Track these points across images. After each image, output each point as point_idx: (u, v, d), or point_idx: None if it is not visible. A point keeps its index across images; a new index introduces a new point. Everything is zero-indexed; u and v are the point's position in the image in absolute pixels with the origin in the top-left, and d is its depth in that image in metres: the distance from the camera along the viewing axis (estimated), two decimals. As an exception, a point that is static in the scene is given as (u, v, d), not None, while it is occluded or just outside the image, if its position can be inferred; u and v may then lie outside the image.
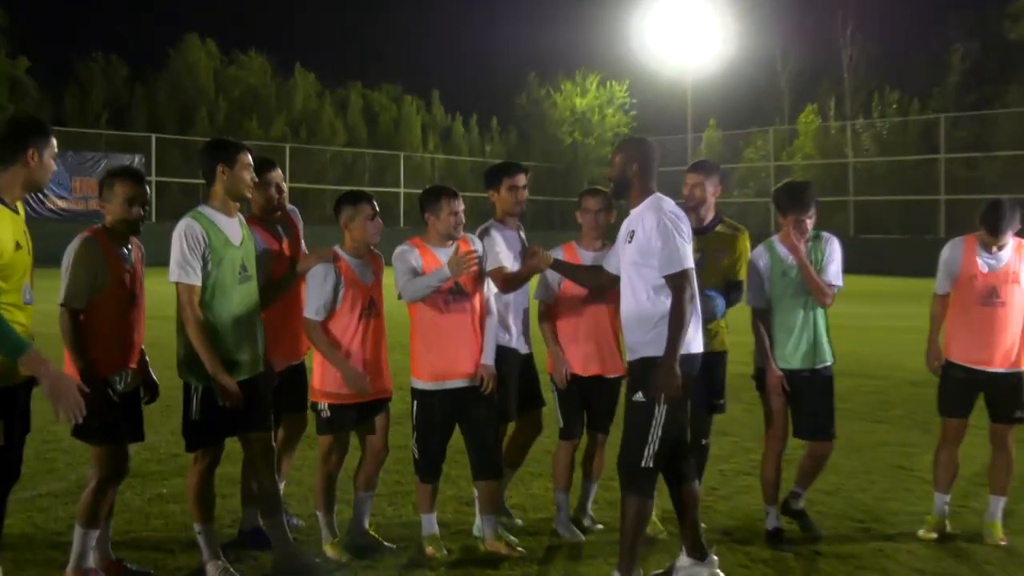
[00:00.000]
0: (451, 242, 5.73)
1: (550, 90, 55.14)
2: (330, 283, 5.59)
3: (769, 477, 6.29)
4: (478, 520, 5.97)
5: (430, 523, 5.81)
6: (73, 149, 38.05)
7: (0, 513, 4.42)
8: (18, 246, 4.20)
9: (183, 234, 5.10)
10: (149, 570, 5.40)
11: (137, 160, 38.85)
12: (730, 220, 6.47)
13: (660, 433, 4.97)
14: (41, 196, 34.30)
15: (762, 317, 6.24)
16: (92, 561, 5.08)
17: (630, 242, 5.15)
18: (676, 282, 4.98)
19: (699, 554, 5.26)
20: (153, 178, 38.78)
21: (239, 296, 5.25)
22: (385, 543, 5.84)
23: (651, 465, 4.99)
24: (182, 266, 5.09)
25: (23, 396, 4.36)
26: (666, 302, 5.00)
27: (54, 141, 4.44)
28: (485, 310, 5.84)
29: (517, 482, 7.04)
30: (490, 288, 5.94)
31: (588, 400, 6.21)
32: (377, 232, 5.76)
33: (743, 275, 6.24)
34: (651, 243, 5.03)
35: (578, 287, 6.00)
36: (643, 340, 5.06)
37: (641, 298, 5.08)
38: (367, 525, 5.91)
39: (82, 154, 38.61)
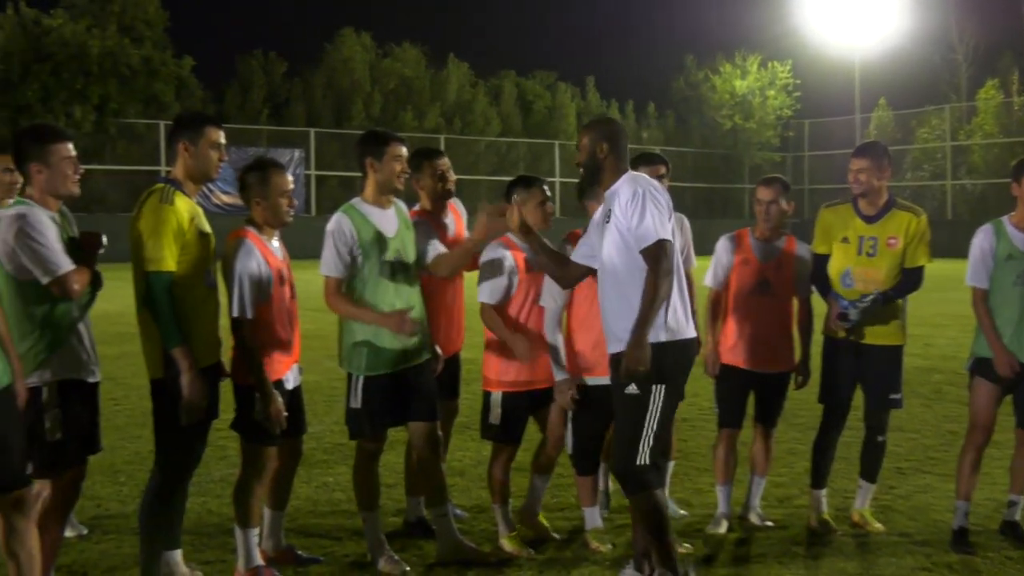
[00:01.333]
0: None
1: (708, 73, 53.49)
2: (506, 267, 5.55)
3: (965, 472, 5.89)
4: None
5: (592, 516, 5.77)
6: (235, 145, 38.76)
7: (182, 497, 4.95)
8: (202, 233, 4.72)
9: (331, 229, 5.23)
10: (318, 557, 5.45)
11: (297, 154, 39.36)
12: (905, 202, 6.12)
13: (655, 427, 4.68)
14: (207, 191, 35.06)
15: (984, 299, 5.85)
16: (270, 547, 5.30)
17: (607, 223, 4.82)
18: (652, 254, 4.63)
19: (646, 570, 4.97)
20: (312, 172, 39.20)
21: (395, 286, 5.28)
22: (552, 533, 5.87)
23: (647, 462, 4.68)
24: (326, 260, 5.25)
25: (208, 380, 4.72)
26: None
27: (211, 131, 4.78)
28: None
29: (682, 476, 7.08)
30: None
31: (755, 392, 6.14)
32: (548, 218, 5.65)
33: (922, 260, 5.93)
34: (629, 218, 4.69)
35: (747, 277, 5.99)
36: (631, 328, 4.65)
37: (625, 282, 4.72)
38: (538, 510, 5.94)
39: (244, 150, 39.35)
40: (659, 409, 4.65)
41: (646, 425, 4.64)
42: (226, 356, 5.00)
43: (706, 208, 49.84)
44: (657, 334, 4.62)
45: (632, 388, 4.64)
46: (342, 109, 47.38)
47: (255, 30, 74.88)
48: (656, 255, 4.60)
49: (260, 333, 4.95)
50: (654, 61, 59.74)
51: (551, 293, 5.53)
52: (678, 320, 4.70)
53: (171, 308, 4.57)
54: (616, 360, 4.73)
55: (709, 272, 6.16)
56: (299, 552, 5.43)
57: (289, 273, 5.17)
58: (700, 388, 9.44)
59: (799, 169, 52.25)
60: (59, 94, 36.01)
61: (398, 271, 5.28)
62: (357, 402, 5.28)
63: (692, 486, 6.92)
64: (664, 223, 4.67)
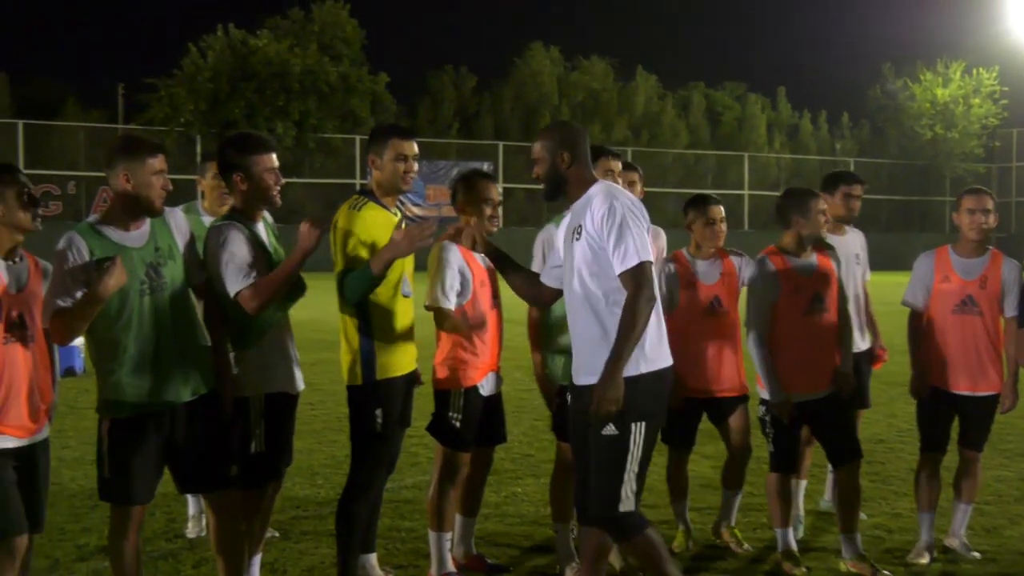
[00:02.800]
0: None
1: (907, 81, 51.36)
2: (665, 283, 5.59)
3: None
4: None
5: (785, 538, 5.52)
6: (426, 158, 39.74)
7: (376, 501, 4.97)
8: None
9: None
10: (507, 566, 5.46)
11: (486, 167, 40.03)
12: None
13: (636, 468, 4.14)
14: (399, 203, 36.02)
15: None
16: (460, 554, 5.33)
17: (577, 239, 4.22)
18: (633, 279, 4.06)
19: None
20: (500, 184, 39.74)
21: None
22: (744, 544, 5.76)
23: (632, 508, 4.15)
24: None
25: (403, 388, 4.76)
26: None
27: (395, 143, 4.76)
28: None
29: (879, 500, 6.81)
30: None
31: (959, 415, 5.75)
32: (720, 235, 5.65)
33: None
34: (604, 235, 4.11)
35: (949, 295, 5.64)
36: (605, 358, 4.09)
37: (598, 307, 4.16)
38: (733, 523, 5.86)
39: (434, 163, 40.37)
40: (640, 448, 4.12)
41: (627, 467, 4.09)
42: (421, 364, 5.06)
43: (902, 222, 47.88)
44: (636, 365, 4.09)
45: (610, 428, 4.09)
46: (530, 122, 47.87)
47: (446, 46, 76.64)
48: (637, 279, 4.03)
49: (455, 336, 5.03)
50: (848, 69, 57.75)
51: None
52: (655, 348, 4.17)
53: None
54: (588, 394, 4.15)
55: (908, 290, 5.84)
56: (488, 560, 5.45)
57: (491, 281, 5.19)
58: (897, 409, 9.04)
59: (1005, 181, 49.53)
60: (262, 111, 37.74)
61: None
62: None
63: (890, 510, 6.60)
64: (645, 242, 4.11)
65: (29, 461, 4.05)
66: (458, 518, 5.35)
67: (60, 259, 4.07)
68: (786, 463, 5.53)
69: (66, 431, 7.73)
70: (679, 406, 5.44)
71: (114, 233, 4.16)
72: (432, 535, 5.09)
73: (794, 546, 5.56)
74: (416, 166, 4.86)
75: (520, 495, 6.92)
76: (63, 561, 5.32)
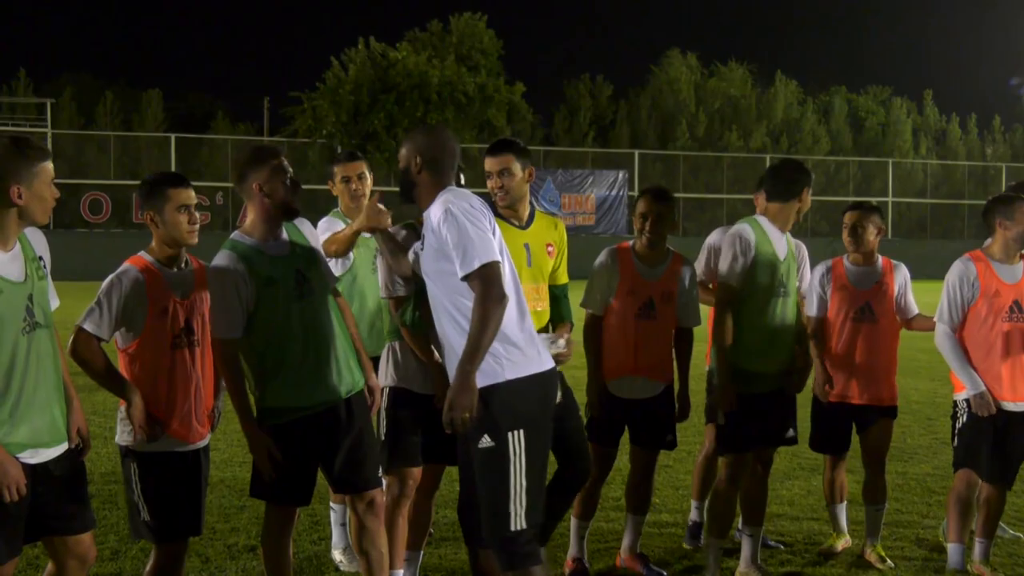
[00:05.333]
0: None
1: (1065, 82, 49.09)
2: (828, 288, 5.59)
3: None
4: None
5: (956, 554, 5.35)
6: (562, 167, 39.79)
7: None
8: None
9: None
10: (663, 572, 5.39)
11: (621, 176, 39.87)
12: None
13: (524, 482, 3.80)
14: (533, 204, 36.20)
15: None
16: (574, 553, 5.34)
17: (423, 248, 4.03)
18: (478, 280, 3.78)
19: None
20: (635, 193, 39.47)
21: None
22: (887, 561, 5.53)
23: (522, 526, 3.80)
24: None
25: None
26: None
27: (486, 161, 4.70)
28: None
29: None
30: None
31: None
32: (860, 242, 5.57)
33: None
34: (444, 240, 3.87)
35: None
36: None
37: (455, 317, 3.89)
38: (877, 540, 5.63)
39: (570, 172, 40.40)
40: (523, 458, 3.79)
41: (512, 481, 3.77)
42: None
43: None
44: (500, 371, 3.82)
45: (485, 440, 3.80)
46: (667, 130, 47.53)
47: (583, 55, 76.72)
48: (482, 280, 3.76)
49: (608, 333, 5.23)
50: (1000, 71, 55.42)
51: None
52: (522, 352, 3.87)
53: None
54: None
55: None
56: (651, 564, 5.43)
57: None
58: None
59: None
60: (402, 122, 38.45)
61: None
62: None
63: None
64: (486, 243, 3.82)
65: (193, 465, 4.16)
66: (573, 520, 5.35)
67: (221, 278, 4.09)
68: (973, 461, 5.32)
69: (215, 434, 7.95)
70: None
71: (262, 244, 4.19)
72: (574, 522, 5.26)
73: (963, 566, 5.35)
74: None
75: (658, 505, 6.71)
76: (213, 559, 5.47)
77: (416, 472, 4.67)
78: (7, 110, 42.26)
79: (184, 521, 4.13)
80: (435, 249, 3.89)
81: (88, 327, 3.96)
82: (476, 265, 3.76)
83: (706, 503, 5.79)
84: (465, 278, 3.78)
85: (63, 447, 3.73)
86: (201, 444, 4.18)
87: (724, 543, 5.34)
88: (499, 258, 3.82)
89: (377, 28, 47.12)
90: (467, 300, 3.81)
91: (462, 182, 4.34)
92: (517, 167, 4.66)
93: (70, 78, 53.95)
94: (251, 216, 4.23)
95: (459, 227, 3.80)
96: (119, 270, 4.02)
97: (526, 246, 4.69)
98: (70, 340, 3.97)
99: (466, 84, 39.60)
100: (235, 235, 4.24)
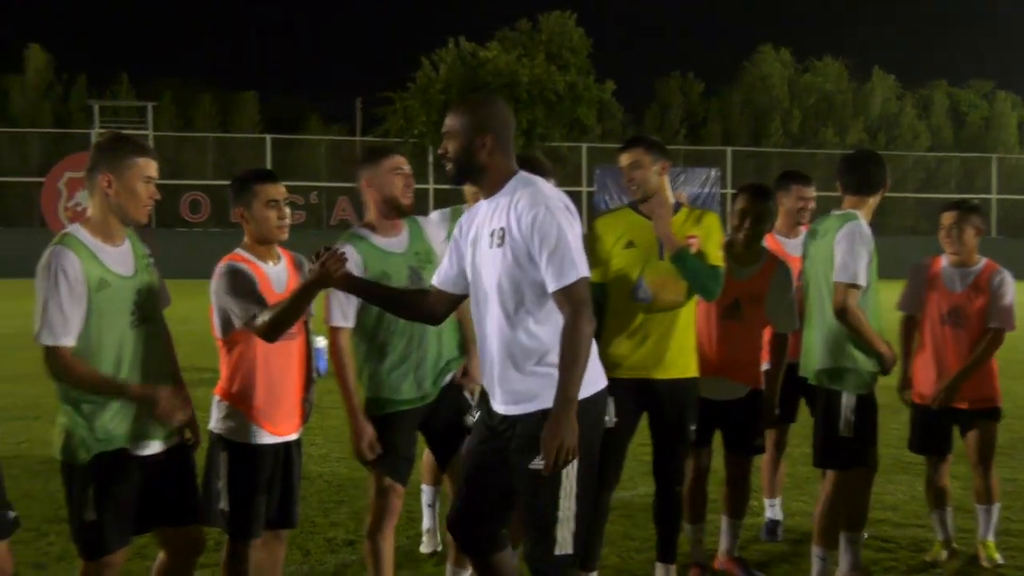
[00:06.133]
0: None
1: None
2: (922, 287, 5.47)
3: None
4: None
5: None
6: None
7: (599, 517, 4.82)
8: (630, 244, 4.68)
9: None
10: (760, 574, 5.35)
11: (713, 174, 39.47)
12: None
13: (575, 507, 3.56)
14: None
15: None
16: (724, 551, 5.36)
17: (499, 245, 3.55)
18: (572, 297, 3.42)
19: None
20: (728, 191, 39.10)
21: None
22: (998, 559, 5.45)
23: (569, 551, 3.58)
24: None
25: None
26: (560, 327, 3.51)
27: (621, 156, 4.79)
28: None
29: None
30: None
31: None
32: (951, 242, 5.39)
33: None
34: (534, 245, 3.47)
35: None
36: (538, 384, 3.54)
37: (524, 323, 3.55)
38: (989, 537, 5.54)
39: (661, 170, 40.11)
40: (575, 483, 3.54)
41: (562, 505, 3.54)
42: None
43: None
44: None
45: (538, 462, 3.48)
46: (759, 127, 46.94)
47: (673, 52, 76.18)
48: (576, 297, 3.41)
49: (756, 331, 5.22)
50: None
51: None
52: (592, 370, 3.56)
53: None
54: (516, 425, 3.59)
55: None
56: (749, 568, 5.36)
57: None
58: None
59: None
60: (492, 121, 38.54)
61: None
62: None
63: None
64: (582, 252, 3.50)
65: (285, 459, 4.20)
66: (724, 519, 5.35)
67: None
68: None
69: (312, 429, 8.04)
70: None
71: (378, 239, 4.35)
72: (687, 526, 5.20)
73: None
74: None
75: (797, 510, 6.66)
76: (314, 552, 5.55)
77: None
78: (110, 113, 43.49)
79: (263, 515, 4.14)
80: (519, 246, 3.48)
81: (259, 319, 3.90)
82: (572, 279, 3.42)
83: (779, 500, 5.92)
84: (557, 292, 3.43)
85: (171, 440, 3.83)
86: (292, 437, 4.22)
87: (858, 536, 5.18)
88: (588, 273, 3.50)
89: (467, 28, 47.40)
90: (550, 312, 3.50)
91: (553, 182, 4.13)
92: (647, 160, 4.69)
93: (169, 82, 55.35)
94: (370, 212, 4.41)
95: (558, 232, 3.43)
96: (222, 268, 4.06)
97: (659, 239, 4.67)
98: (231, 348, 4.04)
99: (556, 82, 39.56)
100: (354, 229, 4.41)
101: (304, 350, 4.28)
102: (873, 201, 4.97)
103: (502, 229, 3.51)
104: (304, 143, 45.43)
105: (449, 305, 3.87)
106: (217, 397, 4.11)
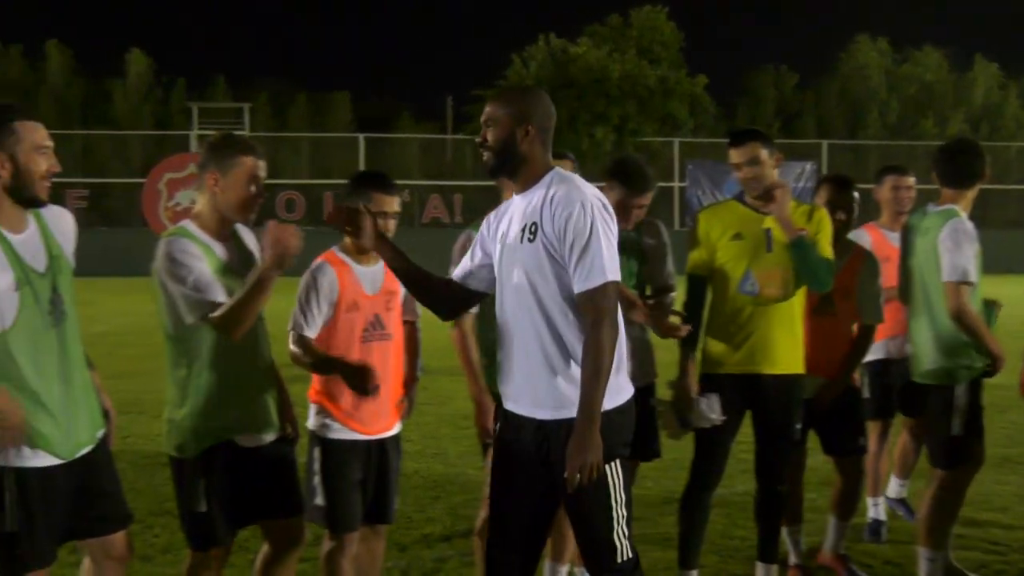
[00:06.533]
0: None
1: None
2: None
3: None
4: None
5: None
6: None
7: (701, 513, 4.83)
8: (737, 236, 4.62)
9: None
10: (863, 574, 5.24)
11: (808, 167, 38.80)
12: None
13: (624, 511, 3.45)
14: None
15: None
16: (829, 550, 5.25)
17: (531, 241, 3.37)
18: (596, 301, 3.26)
19: None
20: (822, 185, 38.35)
21: None
22: None
23: (630, 555, 3.47)
24: None
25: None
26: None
27: (730, 152, 4.68)
28: None
29: None
30: None
31: None
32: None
33: None
34: (565, 243, 3.30)
35: None
36: (573, 388, 3.34)
37: (558, 324, 3.37)
38: None
39: (754, 164, 39.60)
40: (621, 487, 3.43)
41: (615, 509, 3.41)
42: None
43: None
44: (607, 398, 3.34)
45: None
46: (856, 119, 46.04)
47: (766, 44, 75.13)
48: (601, 302, 3.25)
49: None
50: None
51: None
52: (620, 378, 3.43)
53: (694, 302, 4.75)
54: (556, 432, 3.38)
55: None
56: (852, 565, 5.27)
57: None
58: None
59: None
60: (583, 116, 38.56)
61: None
62: None
63: None
64: (615, 255, 3.33)
65: (380, 456, 4.23)
66: (832, 519, 5.25)
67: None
68: None
69: (407, 426, 8.06)
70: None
71: None
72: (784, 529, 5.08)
73: None
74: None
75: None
76: (411, 548, 5.60)
77: None
78: (208, 115, 44.50)
79: (359, 510, 4.18)
80: (553, 243, 3.33)
81: (303, 332, 4.05)
82: (599, 282, 3.25)
83: (882, 499, 5.86)
84: (578, 295, 3.29)
85: (273, 434, 3.89)
86: (388, 434, 4.25)
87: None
88: (619, 277, 3.34)
89: (557, 24, 47.44)
90: (576, 309, 3.35)
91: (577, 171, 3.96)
92: (764, 154, 4.62)
93: (265, 83, 56.46)
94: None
95: (591, 231, 3.27)
96: (312, 266, 4.12)
97: (767, 232, 4.61)
98: (290, 346, 4.07)
99: (647, 77, 39.35)
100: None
101: (402, 350, 4.30)
102: (971, 193, 4.80)
103: (535, 224, 3.35)
104: (396, 142, 45.90)
105: (464, 302, 3.77)
106: (310, 396, 4.17)
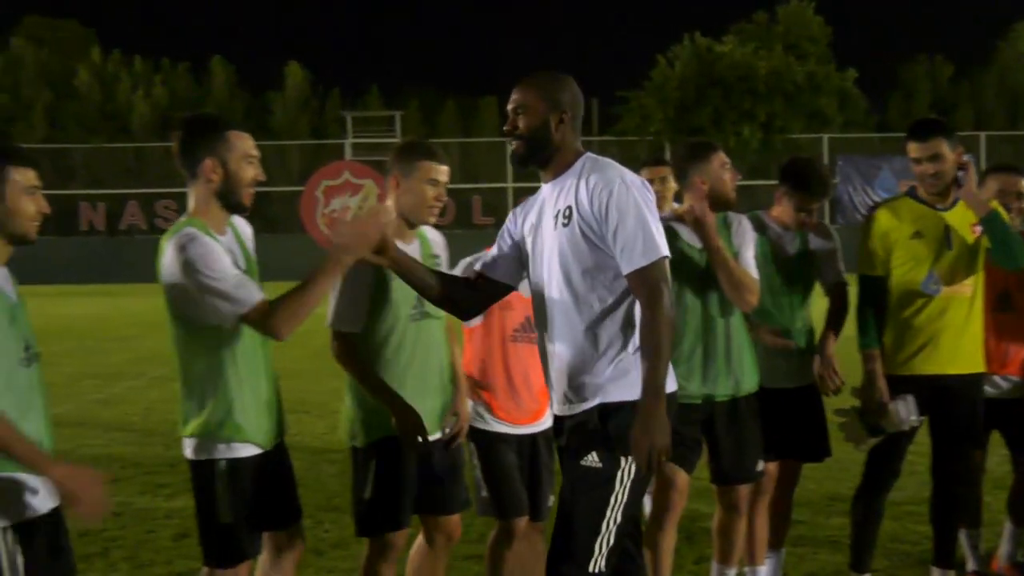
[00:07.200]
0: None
1: None
2: None
3: None
4: None
5: None
6: (900, 154, 38.12)
7: (876, 511, 4.70)
8: (917, 234, 4.46)
9: None
10: None
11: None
12: None
13: (619, 518, 3.14)
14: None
15: None
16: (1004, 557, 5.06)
17: (565, 225, 3.21)
18: (651, 279, 3.08)
19: None
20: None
21: None
22: None
23: (602, 569, 3.14)
24: None
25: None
26: (633, 315, 3.19)
27: (910, 146, 4.51)
28: None
29: None
30: None
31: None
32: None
33: None
34: (606, 222, 3.13)
35: None
36: (600, 377, 3.18)
37: (591, 311, 3.19)
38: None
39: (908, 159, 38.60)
40: (627, 491, 3.14)
41: (608, 514, 3.12)
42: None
43: None
44: (635, 391, 3.10)
45: (592, 458, 3.15)
46: (1016, 109, 44.31)
47: (919, 35, 72.77)
48: (654, 279, 3.07)
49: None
50: None
51: None
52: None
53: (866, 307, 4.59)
54: (572, 421, 3.23)
55: None
56: None
57: None
58: None
59: None
60: (729, 115, 38.24)
61: None
62: None
63: None
64: (662, 231, 3.15)
65: (531, 450, 4.32)
66: (1008, 525, 5.09)
67: None
68: None
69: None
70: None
71: (686, 233, 4.23)
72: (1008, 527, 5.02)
73: None
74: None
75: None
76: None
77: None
78: (361, 123, 45.97)
79: (524, 496, 4.23)
80: (589, 225, 3.16)
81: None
82: (654, 258, 3.09)
83: None
84: (634, 273, 3.10)
85: (438, 433, 3.93)
86: (538, 428, 4.30)
87: None
88: (669, 253, 3.16)
89: (701, 23, 47.22)
90: (621, 300, 3.19)
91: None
92: (946, 149, 4.41)
93: (415, 91, 57.95)
94: (686, 204, 4.28)
95: (636, 208, 3.10)
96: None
97: (947, 228, 4.46)
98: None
99: (795, 73, 38.77)
100: (663, 217, 4.32)
101: None
102: None
103: (569, 208, 3.20)
104: (543, 145, 46.41)
105: (489, 296, 3.56)
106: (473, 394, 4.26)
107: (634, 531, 3.36)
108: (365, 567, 3.88)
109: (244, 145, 3.49)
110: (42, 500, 2.99)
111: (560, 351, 3.25)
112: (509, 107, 3.34)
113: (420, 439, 3.68)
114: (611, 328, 3.18)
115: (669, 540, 4.26)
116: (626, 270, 3.11)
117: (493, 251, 3.53)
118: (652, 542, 4.18)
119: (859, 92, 42.10)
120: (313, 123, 53.97)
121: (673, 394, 3.22)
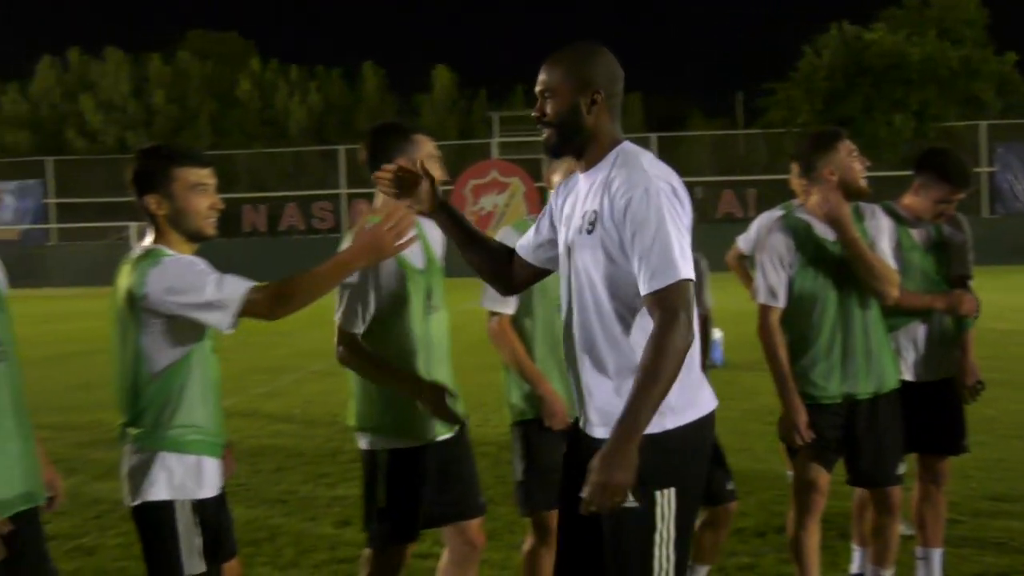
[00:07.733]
0: None
1: None
2: None
3: None
4: None
5: None
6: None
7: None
8: None
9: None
10: None
11: None
12: None
13: (671, 553, 2.77)
14: None
15: None
16: None
17: (590, 232, 2.79)
18: (666, 303, 2.62)
19: None
20: None
21: None
22: None
23: None
24: None
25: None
26: None
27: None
28: None
29: None
30: None
31: None
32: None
33: None
34: (626, 234, 2.70)
35: None
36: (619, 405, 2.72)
37: (619, 327, 2.79)
38: None
39: None
40: (672, 525, 2.78)
41: (656, 553, 2.77)
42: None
43: None
44: (659, 420, 2.68)
45: (631, 500, 2.69)
46: None
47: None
48: (671, 303, 2.62)
49: None
50: None
51: None
52: (689, 391, 2.79)
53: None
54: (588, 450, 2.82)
55: None
56: None
57: None
58: None
59: None
60: (879, 104, 37.40)
61: None
62: None
63: None
64: (687, 248, 2.69)
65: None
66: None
67: (761, 247, 4.22)
68: None
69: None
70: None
71: (817, 224, 4.13)
72: None
73: None
74: None
75: None
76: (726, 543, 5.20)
77: None
78: (507, 123, 46.72)
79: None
80: (611, 235, 2.74)
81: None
82: (670, 280, 2.63)
83: None
84: (649, 294, 2.65)
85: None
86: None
87: None
88: (693, 275, 2.69)
89: (849, 11, 46.20)
90: (642, 311, 2.75)
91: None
92: None
93: (559, 88, 58.35)
94: (813, 198, 4.14)
95: (656, 221, 2.65)
96: None
97: None
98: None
99: (949, 59, 37.66)
100: (795, 209, 4.31)
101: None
102: None
103: (595, 212, 2.79)
104: (687, 139, 46.34)
105: (524, 279, 3.22)
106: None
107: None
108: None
109: (428, 147, 3.68)
110: (214, 483, 3.19)
111: (588, 365, 2.86)
112: (536, 89, 2.90)
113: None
114: (637, 352, 2.73)
115: (813, 540, 4.15)
116: (642, 291, 2.67)
117: (530, 233, 3.17)
118: (796, 544, 4.14)
119: (1020, 77, 40.58)
120: (460, 124, 55.07)
121: (710, 415, 2.86)
